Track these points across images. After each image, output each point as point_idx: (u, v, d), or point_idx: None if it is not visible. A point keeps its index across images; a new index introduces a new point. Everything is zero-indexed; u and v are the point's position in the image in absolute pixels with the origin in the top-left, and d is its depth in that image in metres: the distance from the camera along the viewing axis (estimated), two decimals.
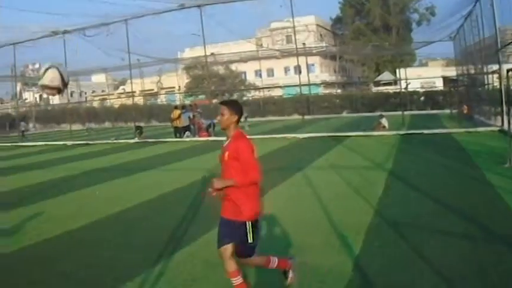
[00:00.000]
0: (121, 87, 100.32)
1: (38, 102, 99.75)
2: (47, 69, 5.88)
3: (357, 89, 71.89)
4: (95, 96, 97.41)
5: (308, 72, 53.42)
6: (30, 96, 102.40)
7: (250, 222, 5.60)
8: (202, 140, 31.03)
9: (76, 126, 58.10)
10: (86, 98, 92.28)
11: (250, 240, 5.59)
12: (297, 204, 10.93)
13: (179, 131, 33.39)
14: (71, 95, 74.22)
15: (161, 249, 7.93)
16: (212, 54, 60.76)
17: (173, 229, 9.20)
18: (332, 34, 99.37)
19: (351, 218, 9.17)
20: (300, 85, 45.35)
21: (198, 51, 61.55)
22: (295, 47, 52.13)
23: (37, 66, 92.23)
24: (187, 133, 32.98)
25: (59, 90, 6.06)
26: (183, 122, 33.09)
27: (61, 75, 5.92)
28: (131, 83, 46.00)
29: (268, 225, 8.89)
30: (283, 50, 74.43)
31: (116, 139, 36.46)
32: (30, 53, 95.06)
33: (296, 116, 51.20)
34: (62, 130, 62.55)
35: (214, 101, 44.58)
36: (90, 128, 54.28)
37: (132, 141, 34.13)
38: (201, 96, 65.61)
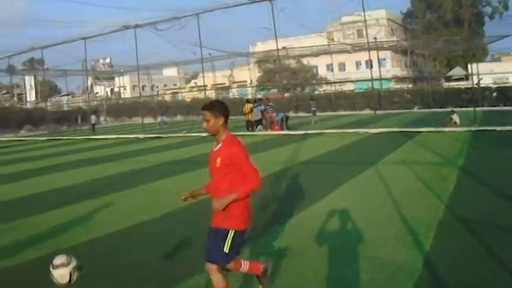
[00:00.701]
0: (193, 81, 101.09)
1: (110, 96, 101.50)
2: (62, 264, 6.05)
3: (428, 84, 70.49)
4: (166, 90, 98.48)
5: (379, 66, 52.93)
6: (101, 90, 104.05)
7: (233, 232, 5.27)
8: (274, 133, 31.08)
9: (147, 120, 58.81)
10: (157, 91, 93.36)
11: (225, 249, 5.24)
12: (369, 199, 10.85)
13: (251, 125, 33.54)
14: (143, 89, 75.20)
15: None
16: (284, 48, 60.82)
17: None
18: (403, 28, 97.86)
19: (422, 214, 9.09)
20: (371, 80, 45.02)
21: (269, 45, 61.62)
22: (366, 41, 51.73)
23: (108, 60, 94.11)
24: (259, 127, 33.10)
25: (74, 269, 6.07)
26: (255, 115, 33.20)
27: (70, 278, 6.02)
28: (203, 76, 46.32)
29: (340, 219, 8.96)
30: (355, 44, 73.83)
31: (187, 132, 36.85)
32: (101, 47, 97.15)
33: (367, 111, 50.67)
34: (134, 123, 63.45)
35: (286, 95, 44.65)
36: (163, 121, 54.87)
37: (204, 134, 34.33)
38: (273, 90, 65.64)
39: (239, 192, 5.16)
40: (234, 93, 78.21)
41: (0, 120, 59.03)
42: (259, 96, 49.45)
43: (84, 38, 44.22)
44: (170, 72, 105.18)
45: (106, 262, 7.55)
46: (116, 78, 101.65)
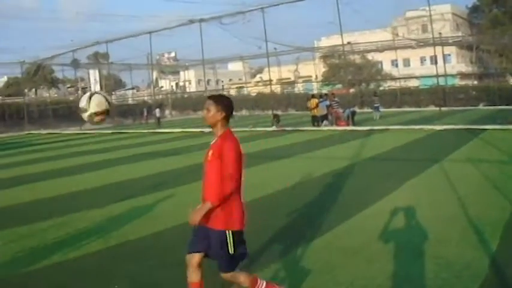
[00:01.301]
0: (258, 75, 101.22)
1: (175, 89, 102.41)
2: (89, 98, 5.63)
3: (494, 80, 68.79)
4: (231, 84, 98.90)
5: (444, 62, 51.96)
6: (166, 84, 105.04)
7: (230, 232, 5.01)
8: (340, 129, 30.80)
9: None
10: (222, 86, 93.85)
11: (230, 250, 5.01)
12: (434, 197, 10.65)
13: (317, 120, 33.39)
14: (208, 83, 75.71)
15: (299, 236, 8.04)
16: (349, 43, 60.33)
17: (311, 216, 9.33)
18: (468, 23, 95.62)
19: (489, 213, 8.85)
20: (436, 76, 44.26)
21: (334, 40, 61.32)
22: (431, 36, 50.82)
23: (173, 54, 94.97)
24: (325, 122, 32.93)
25: (108, 112, 5.77)
26: (321, 111, 33.01)
27: (104, 97, 5.73)
28: (269, 71, 46.39)
29: (405, 216, 8.86)
30: (419, 39, 72.65)
31: (253, 127, 36.99)
32: (166, 41, 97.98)
33: (432, 108, 49.79)
34: (199, 117, 63.93)
35: (351, 90, 44.30)
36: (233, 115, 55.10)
37: (269, 129, 34.47)
38: (338, 86, 65.29)
39: (212, 200, 4.94)
40: (299, 88, 78.03)
41: (65, 114, 60.38)
42: (324, 91, 49.11)
43: (150, 32, 44.83)
44: (235, 66, 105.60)
45: (170, 255, 7.60)
46: (181, 72, 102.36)
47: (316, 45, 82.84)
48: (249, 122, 44.14)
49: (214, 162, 5.07)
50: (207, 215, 5.02)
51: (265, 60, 42.56)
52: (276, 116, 37.36)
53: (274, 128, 34.64)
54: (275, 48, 56.00)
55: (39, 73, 77.84)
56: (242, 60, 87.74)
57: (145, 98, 78.09)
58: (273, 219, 9.37)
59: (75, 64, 64.91)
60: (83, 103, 5.58)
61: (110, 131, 44.91)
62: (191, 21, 40.87)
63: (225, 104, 5.23)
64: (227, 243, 5.00)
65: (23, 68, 66.43)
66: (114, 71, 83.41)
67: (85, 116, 5.52)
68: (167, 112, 76.89)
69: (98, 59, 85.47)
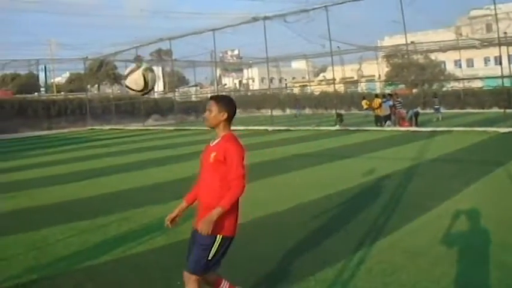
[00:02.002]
0: (321, 74, 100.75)
1: (238, 87, 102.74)
2: (132, 71, 5.45)
3: None
4: (295, 82, 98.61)
5: (509, 63, 50.57)
6: (229, 81, 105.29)
7: (221, 237, 4.85)
8: (403, 129, 30.36)
9: (276, 112, 59.16)
10: (286, 84, 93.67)
11: (210, 255, 4.84)
12: (498, 201, 10.37)
13: (380, 120, 33.08)
14: (271, 81, 75.68)
15: (361, 237, 7.96)
16: (412, 42, 59.43)
17: (374, 217, 9.22)
18: None
19: None
20: (501, 77, 43.09)
21: (397, 40, 60.40)
22: (495, 36, 49.55)
23: (236, 52, 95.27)
24: (388, 122, 32.56)
25: (143, 93, 5.55)
26: (384, 111, 32.69)
27: (144, 80, 5.42)
28: (332, 70, 46.01)
29: (468, 220, 8.69)
30: (484, 39, 70.92)
31: (316, 126, 36.91)
32: (230, 39, 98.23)
33: (496, 109, 48.56)
34: (262, 115, 64.00)
35: (414, 90, 43.64)
36: (299, 113, 55.04)
37: (333, 128, 34.32)
38: (401, 86, 64.42)
39: (224, 204, 4.65)
40: (362, 87, 77.33)
41: (127, 110, 61.28)
42: (387, 91, 48.56)
43: (213, 30, 44.84)
44: (298, 64, 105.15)
45: (232, 252, 7.65)
46: (244, 70, 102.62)
47: (379, 45, 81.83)
48: (312, 121, 44.03)
49: (218, 165, 4.84)
50: (207, 210, 4.77)
51: (329, 59, 42.38)
52: (339, 115, 37.17)
53: (337, 127, 34.48)
54: (338, 47, 55.49)
55: (102, 69, 79.10)
56: (306, 59, 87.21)
57: (209, 95, 78.41)
58: (336, 219, 9.35)
59: (138, 61, 65.73)
60: (127, 70, 5.54)
61: (172, 128, 45.44)
62: (255, 19, 40.80)
63: (228, 104, 5.05)
64: (212, 247, 4.83)
65: (85, 64, 67.91)
66: (178, 68, 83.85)
67: (123, 82, 5.45)
68: None
69: (161, 56, 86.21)
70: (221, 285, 5.31)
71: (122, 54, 59.42)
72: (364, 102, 38.92)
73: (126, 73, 5.53)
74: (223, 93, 6.45)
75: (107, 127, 53.66)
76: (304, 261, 7.05)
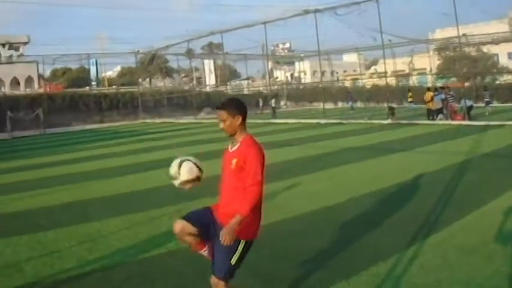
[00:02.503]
0: (372, 67, 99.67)
1: (290, 80, 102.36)
2: (179, 165, 5.14)
3: None
4: (346, 75, 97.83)
5: None
6: (281, 74, 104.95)
7: (244, 242, 4.79)
8: (455, 123, 29.73)
9: (328, 105, 58.82)
10: (337, 77, 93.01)
11: (232, 261, 4.75)
12: None
13: (432, 114, 32.57)
14: (323, 74, 75.25)
15: (414, 232, 7.90)
16: (464, 35, 58.34)
17: (426, 212, 9.12)
18: None
19: None
20: None
21: (448, 32, 59.30)
22: None
23: (287, 45, 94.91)
24: (440, 116, 32.03)
25: (199, 178, 5.22)
26: (436, 104, 32.14)
27: (194, 164, 5.19)
28: (384, 63, 45.53)
29: None
30: None
31: (368, 119, 36.64)
32: (281, 31, 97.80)
33: None
34: (314, 108, 63.73)
35: (466, 84, 42.83)
36: (352, 107, 54.68)
37: (384, 122, 34.01)
38: (453, 79, 63.27)
39: (243, 212, 4.56)
40: (413, 80, 76.26)
41: (179, 103, 61.83)
42: (438, 84, 47.77)
43: (265, 23, 44.76)
44: (349, 57, 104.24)
45: (283, 245, 7.72)
46: (296, 63, 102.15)
47: (430, 37, 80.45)
48: (365, 114, 43.68)
49: (240, 171, 4.73)
50: (230, 217, 4.65)
51: (380, 52, 41.88)
52: (391, 109, 36.79)
53: (389, 120, 34.14)
54: (390, 40, 54.82)
55: (153, 63, 79.84)
56: (357, 52, 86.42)
57: (261, 88, 78.48)
58: (388, 214, 9.30)
59: (190, 54, 66.16)
60: (173, 170, 5.17)
61: None
62: (306, 12, 40.62)
63: (238, 107, 4.91)
64: (235, 252, 4.75)
65: (136, 58, 68.57)
66: (229, 61, 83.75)
67: (176, 183, 5.16)
68: (282, 103, 77.22)
69: (212, 49, 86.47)
70: None
71: (173, 48, 59.86)
72: (409, 95, 38.39)
73: (172, 172, 5.20)
74: (234, 97, 6.25)
75: (159, 120, 54.28)
76: (356, 255, 7.06)
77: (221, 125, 4.89)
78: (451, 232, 7.89)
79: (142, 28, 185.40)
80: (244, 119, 4.88)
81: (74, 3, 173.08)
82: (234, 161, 4.73)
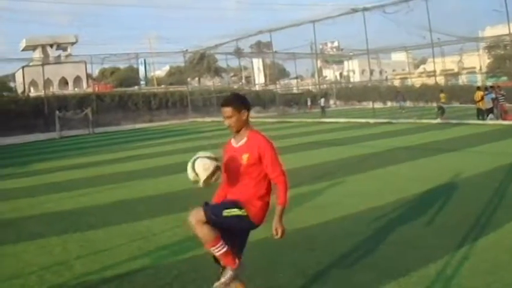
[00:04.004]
0: (421, 66, 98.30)
1: (339, 79, 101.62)
2: (193, 167, 5.04)
3: None
4: (395, 74, 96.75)
5: None
6: (330, 73, 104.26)
7: (246, 214, 4.81)
8: (506, 123, 29.02)
9: (377, 105, 58.27)
10: (386, 76, 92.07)
11: (224, 213, 4.74)
12: None
13: (482, 113, 31.93)
14: (371, 73, 74.58)
15: (464, 233, 7.73)
16: None
17: (477, 213, 8.92)
18: None
19: None
20: None
21: (499, 29, 58.09)
22: None
23: (336, 44, 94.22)
24: (490, 116, 31.32)
25: (218, 167, 5.02)
26: (486, 104, 31.52)
27: (206, 157, 5.03)
28: (433, 62, 44.79)
29: None
30: None
31: (417, 118, 36.18)
32: (329, 30, 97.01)
33: None
34: (363, 108, 63.21)
35: None
36: (403, 106, 54.13)
37: (434, 121, 33.53)
38: (503, 78, 61.98)
39: (282, 202, 4.74)
40: (463, 80, 74.98)
41: None
42: (489, 83, 46.83)
43: (313, 21, 44.52)
44: (398, 56, 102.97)
45: (337, 245, 7.64)
46: (345, 62, 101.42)
47: (480, 35, 78.86)
48: (414, 113, 43.14)
49: (252, 165, 4.76)
50: (235, 196, 4.82)
51: (428, 51, 41.15)
52: (440, 108, 36.27)
53: (438, 120, 33.65)
54: (438, 39, 53.90)
55: (203, 62, 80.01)
56: (406, 51, 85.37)
57: (310, 87, 78.16)
58: (438, 214, 9.16)
59: (238, 53, 66.29)
60: (191, 175, 5.09)
61: (274, 120, 45.56)
62: (354, 10, 40.36)
63: (243, 102, 4.92)
64: (232, 209, 4.75)
65: (185, 57, 68.75)
66: (278, 60, 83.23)
67: (201, 185, 5.07)
68: (332, 102, 76.86)
69: (261, 48, 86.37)
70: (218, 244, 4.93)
71: (222, 47, 60.05)
72: (441, 96, 37.67)
73: (191, 177, 5.14)
74: (236, 93, 6.14)
75: (209, 119, 54.51)
76: (406, 256, 6.97)
77: (227, 122, 4.87)
78: (502, 234, 7.71)
79: (190, 27, 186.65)
80: (249, 113, 4.89)
81: (122, 3, 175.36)
82: (245, 156, 4.76)
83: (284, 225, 4.77)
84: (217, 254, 4.94)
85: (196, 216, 4.72)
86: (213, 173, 4.97)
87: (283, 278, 6.38)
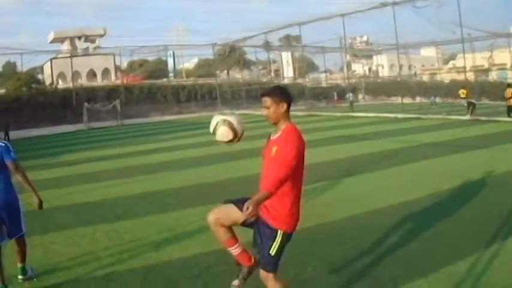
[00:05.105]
0: (451, 61, 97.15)
1: (368, 74, 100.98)
2: (215, 127, 5.10)
3: None
4: (424, 70, 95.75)
5: None
6: (359, 68, 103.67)
7: (282, 232, 4.63)
8: None
9: (406, 100, 57.78)
10: (415, 72, 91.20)
11: (271, 251, 4.62)
12: None
13: None
14: (400, 68, 73.96)
15: (494, 231, 7.69)
16: None
17: (507, 211, 8.85)
18: None
19: None
20: None
21: None
22: None
23: (365, 38, 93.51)
24: None
25: (237, 137, 5.19)
26: None
27: (231, 128, 5.10)
28: (464, 57, 44.26)
29: None
30: None
31: (447, 114, 35.82)
32: (358, 24, 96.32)
33: None
34: (392, 103, 62.73)
35: None
36: (435, 102, 53.51)
37: (463, 117, 33.17)
38: None
39: (265, 187, 4.44)
40: (493, 76, 73.95)
41: (258, 95, 61.54)
42: None
43: (342, 15, 44.33)
44: (427, 52, 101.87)
45: (367, 239, 7.67)
46: (374, 57, 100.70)
47: (511, 31, 77.66)
48: (444, 109, 42.71)
49: (279, 159, 4.55)
50: (268, 206, 4.66)
51: (458, 46, 40.74)
52: (470, 104, 35.81)
53: (468, 117, 33.24)
54: (469, 34, 53.27)
55: (233, 55, 79.86)
56: (435, 46, 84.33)
57: (339, 81, 77.75)
58: (468, 211, 9.11)
59: (267, 46, 66.13)
60: (211, 127, 5.16)
61: (302, 113, 45.42)
62: (384, 4, 40.04)
63: (284, 94, 4.78)
64: (273, 242, 4.64)
65: (214, 50, 68.82)
66: (307, 53, 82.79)
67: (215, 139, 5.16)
68: (360, 96, 76.43)
69: (290, 42, 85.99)
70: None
71: (251, 40, 59.94)
72: (461, 92, 37.16)
73: (211, 129, 5.21)
74: (279, 85, 6.10)
75: (237, 112, 54.34)
76: (435, 252, 6.95)
77: (265, 112, 4.78)
78: None
79: (219, 20, 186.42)
80: (289, 107, 4.75)
81: None
82: (274, 148, 4.65)
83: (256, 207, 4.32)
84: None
85: (265, 280, 4.80)
86: (226, 142, 5.14)
87: (312, 271, 6.41)
